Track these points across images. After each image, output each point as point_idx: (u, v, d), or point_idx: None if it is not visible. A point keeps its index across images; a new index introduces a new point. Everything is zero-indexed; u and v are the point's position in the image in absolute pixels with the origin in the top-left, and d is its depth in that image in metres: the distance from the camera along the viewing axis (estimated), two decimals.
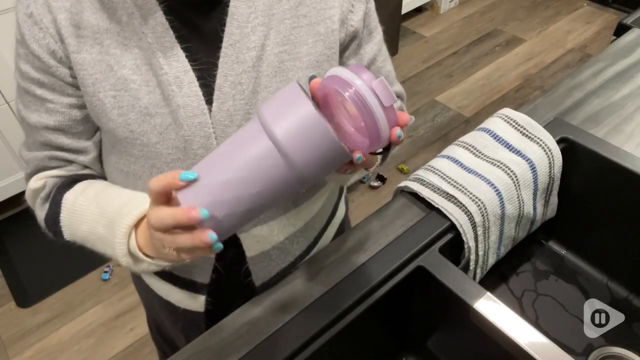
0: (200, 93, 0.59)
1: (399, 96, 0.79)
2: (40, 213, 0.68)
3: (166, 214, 0.46)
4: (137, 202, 0.59)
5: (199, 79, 0.59)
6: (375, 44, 0.71)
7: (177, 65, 0.58)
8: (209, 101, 0.59)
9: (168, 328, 0.91)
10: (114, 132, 0.61)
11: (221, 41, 0.58)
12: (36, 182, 0.67)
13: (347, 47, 0.68)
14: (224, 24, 0.58)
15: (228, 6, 0.58)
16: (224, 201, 0.45)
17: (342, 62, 0.69)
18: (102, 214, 0.61)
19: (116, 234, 0.58)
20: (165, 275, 0.76)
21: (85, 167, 0.70)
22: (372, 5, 0.69)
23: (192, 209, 0.44)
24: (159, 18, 0.57)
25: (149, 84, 0.58)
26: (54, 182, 0.67)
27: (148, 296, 0.85)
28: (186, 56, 0.58)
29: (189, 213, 0.44)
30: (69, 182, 0.67)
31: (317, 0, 0.62)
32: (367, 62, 0.70)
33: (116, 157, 0.65)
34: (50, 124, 0.63)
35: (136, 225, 0.58)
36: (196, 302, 0.76)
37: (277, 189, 0.46)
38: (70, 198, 0.64)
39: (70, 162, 0.68)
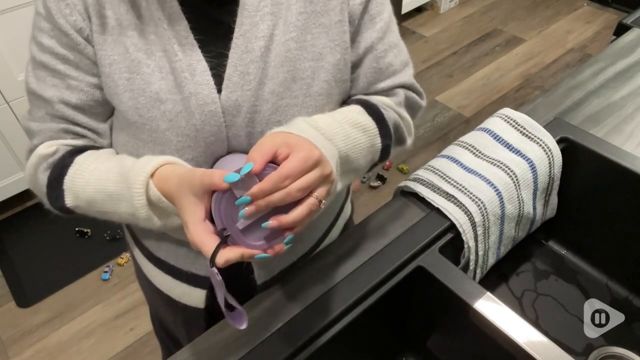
0: (212, 82, 0.59)
1: (404, 86, 0.74)
2: (42, 177, 0.65)
3: (236, 255, 0.50)
4: (149, 159, 0.59)
5: (210, 69, 0.59)
6: (377, 30, 0.67)
7: (191, 53, 0.59)
8: (219, 90, 0.60)
9: (170, 323, 0.91)
10: (125, 115, 0.61)
11: (232, 32, 0.59)
12: (48, 148, 0.65)
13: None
14: (235, 15, 0.59)
15: None
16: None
17: None
18: (110, 171, 0.60)
19: (134, 184, 0.57)
20: (167, 267, 0.76)
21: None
22: None
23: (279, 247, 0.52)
24: (175, 7, 0.58)
25: (162, 70, 0.59)
26: (66, 149, 0.66)
27: (150, 291, 0.86)
28: (199, 47, 0.59)
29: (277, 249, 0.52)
30: (83, 148, 0.66)
31: None
32: (362, 50, 0.67)
33: (125, 138, 0.65)
34: (72, 101, 0.63)
35: (157, 170, 0.58)
36: (196, 298, 0.76)
37: None
38: (79, 161, 0.63)
39: (85, 136, 0.67)
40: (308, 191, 0.51)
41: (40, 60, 0.62)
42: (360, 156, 0.64)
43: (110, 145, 0.69)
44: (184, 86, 0.59)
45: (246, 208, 0.49)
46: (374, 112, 0.67)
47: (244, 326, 0.54)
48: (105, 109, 0.66)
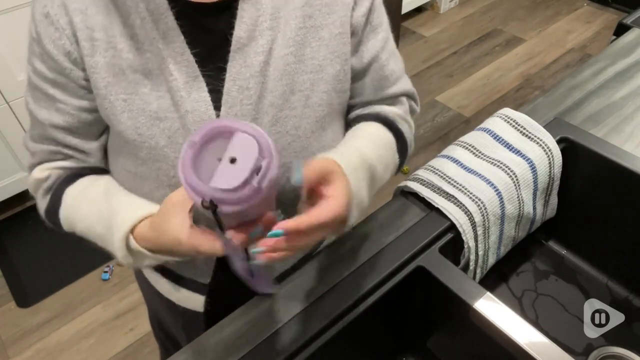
0: (209, 99, 0.59)
1: (407, 95, 0.77)
2: (42, 203, 0.70)
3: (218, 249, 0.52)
4: (134, 208, 0.62)
5: (208, 84, 0.59)
6: (379, 40, 0.69)
7: (187, 70, 0.58)
8: (217, 106, 0.59)
9: (169, 325, 0.91)
10: (123, 134, 0.61)
11: (229, 45, 0.58)
12: (41, 172, 0.68)
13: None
14: (231, 26, 0.58)
15: (237, 9, 0.58)
16: None
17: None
18: (99, 214, 0.63)
19: (114, 236, 0.61)
20: (166, 273, 0.76)
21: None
22: (379, 0, 0.67)
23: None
24: (170, 23, 0.57)
25: (159, 89, 0.59)
26: (58, 174, 0.69)
27: (149, 293, 0.86)
28: (196, 61, 0.58)
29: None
30: (73, 176, 0.68)
31: (323, 3, 0.62)
32: (368, 60, 0.69)
33: (124, 158, 0.65)
34: (59, 123, 0.64)
35: (136, 226, 0.61)
36: (196, 302, 0.76)
37: None
38: (70, 194, 0.66)
39: (74, 157, 0.69)
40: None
41: (34, 82, 0.63)
42: (387, 174, 0.70)
43: (100, 162, 0.71)
44: (181, 105, 0.58)
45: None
46: (393, 128, 0.72)
47: (272, 290, 0.54)
48: (94, 129, 0.66)
